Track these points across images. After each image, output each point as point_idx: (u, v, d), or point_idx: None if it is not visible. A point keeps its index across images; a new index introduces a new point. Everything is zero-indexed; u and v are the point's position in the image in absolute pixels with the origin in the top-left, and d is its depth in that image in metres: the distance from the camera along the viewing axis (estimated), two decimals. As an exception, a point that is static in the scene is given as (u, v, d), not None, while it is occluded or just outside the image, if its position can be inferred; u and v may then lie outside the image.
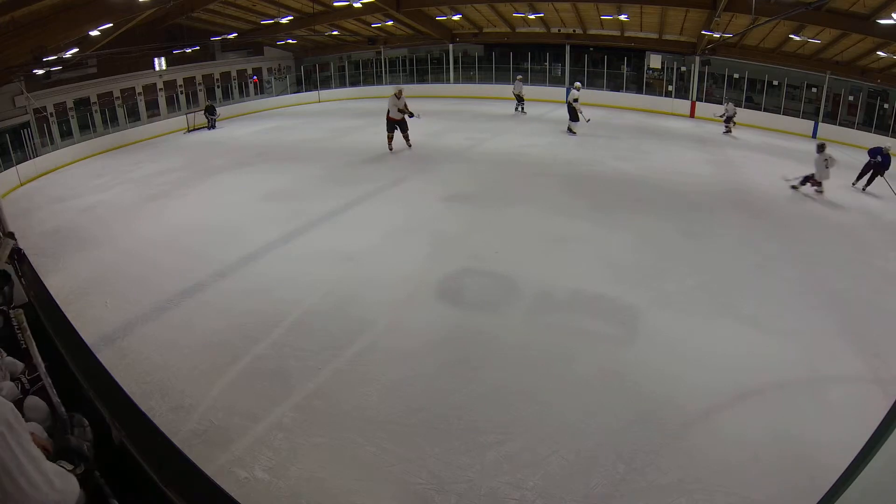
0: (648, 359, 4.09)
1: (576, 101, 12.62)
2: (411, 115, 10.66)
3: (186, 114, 16.65)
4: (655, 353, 4.16)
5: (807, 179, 8.73)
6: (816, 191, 8.68)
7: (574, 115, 12.77)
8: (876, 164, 9.14)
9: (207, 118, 16.27)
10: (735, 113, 14.20)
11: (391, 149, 10.89)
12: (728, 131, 14.15)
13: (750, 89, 16.31)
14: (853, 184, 9.34)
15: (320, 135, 13.76)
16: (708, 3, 13.19)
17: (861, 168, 9.35)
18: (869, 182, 9.24)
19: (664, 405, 3.56)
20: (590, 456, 3.14)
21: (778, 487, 2.90)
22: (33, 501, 1.22)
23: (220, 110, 17.01)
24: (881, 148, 9.22)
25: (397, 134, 10.82)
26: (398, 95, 10.40)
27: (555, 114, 16.05)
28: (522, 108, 16.22)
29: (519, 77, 16.63)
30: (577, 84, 13.75)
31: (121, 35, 13.45)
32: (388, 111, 10.56)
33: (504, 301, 5.01)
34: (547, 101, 18.04)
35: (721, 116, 14.33)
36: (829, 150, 8.69)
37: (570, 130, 12.94)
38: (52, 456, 1.58)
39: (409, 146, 11.04)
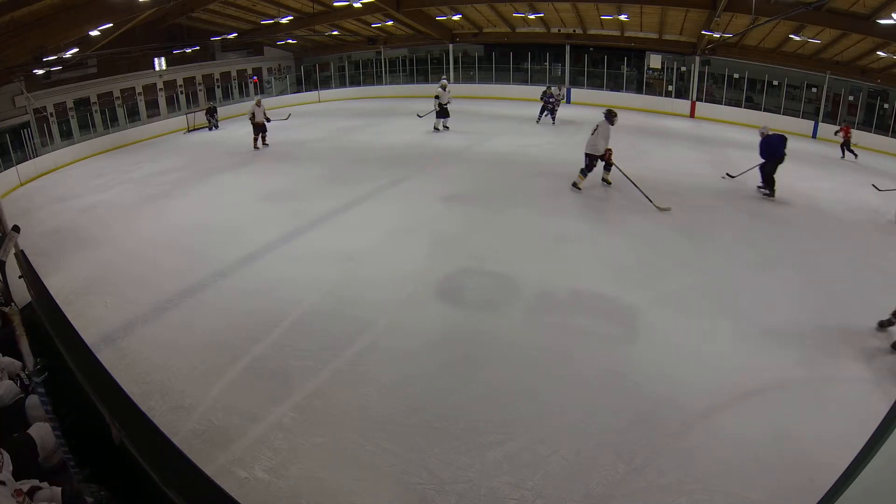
0: (648, 359, 4.09)
1: (436, 98, 12.82)
2: (268, 119, 12.29)
3: (186, 114, 16.64)
4: (655, 353, 4.16)
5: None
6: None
7: (443, 113, 12.92)
8: None
9: (209, 119, 16.24)
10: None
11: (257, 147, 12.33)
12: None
13: (750, 89, 16.30)
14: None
15: (320, 135, 13.76)
16: (708, 3, 13.18)
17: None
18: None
19: (664, 405, 3.57)
20: (590, 456, 3.14)
21: (778, 487, 2.90)
22: None
23: (221, 110, 17.00)
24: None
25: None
26: (258, 104, 12.23)
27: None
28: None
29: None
30: (444, 81, 13.65)
31: (121, 35, 13.45)
32: (254, 115, 12.18)
33: (504, 301, 5.01)
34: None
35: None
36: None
37: (435, 128, 13.03)
38: None
39: (266, 146, 12.39)
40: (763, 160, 8.36)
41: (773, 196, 8.31)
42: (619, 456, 3.14)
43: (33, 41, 10.71)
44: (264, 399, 3.67)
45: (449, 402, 3.62)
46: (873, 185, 8.78)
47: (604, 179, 8.53)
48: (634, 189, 7.89)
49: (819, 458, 2.96)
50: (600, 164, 8.21)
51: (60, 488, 1.96)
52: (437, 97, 12.95)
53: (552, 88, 14.70)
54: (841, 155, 12.67)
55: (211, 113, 16.30)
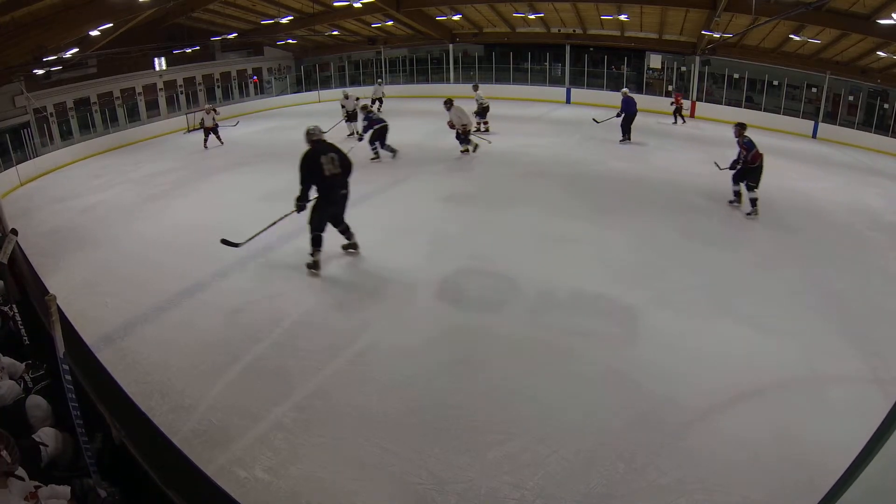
0: (648, 358, 4.09)
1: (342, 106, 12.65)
2: (216, 125, 13.06)
3: (186, 114, 16.64)
4: (655, 353, 4.16)
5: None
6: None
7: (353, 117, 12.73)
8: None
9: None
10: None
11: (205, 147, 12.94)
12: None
13: (750, 89, 16.30)
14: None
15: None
16: (708, 3, 13.18)
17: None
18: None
19: (664, 405, 3.56)
20: (590, 456, 3.14)
21: (778, 487, 2.90)
22: None
23: (220, 110, 16.99)
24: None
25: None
26: (208, 112, 13.03)
27: (555, 114, 16.06)
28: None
29: (378, 80, 16.40)
30: (379, 80, 13.75)
31: (121, 35, 13.43)
32: (203, 121, 12.97)
33: (504, 301, 5.01)
34: (547, 102, 18.05)
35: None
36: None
37: (353, 133, 12.44)
38: None
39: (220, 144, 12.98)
40: (622, 114, 11.62)
41: (629, 140, 11.62)
42: (619, 456, 3.13)
43: (33, 41, 10.71)
44: (264, 399, 3.66)
45: (449, 401, 3.62)
46: (715, 163, 8.34)
47: (463, 151, 10.42)
48: (634, 190, 7.91)
49: (819, 459, 2.96)
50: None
51: (69, 487, 1.96)
52: (342, 105, 12.77)
53: (350, 97, 12.65)
54: (673, 121, 14.78)
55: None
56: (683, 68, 17.64)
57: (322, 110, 18.64)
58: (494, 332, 4.48)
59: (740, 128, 7.44)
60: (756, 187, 7.35)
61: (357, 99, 12.96)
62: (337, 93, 21.23)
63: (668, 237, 6.53)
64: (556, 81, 19.40)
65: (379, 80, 17.99)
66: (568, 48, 18.88)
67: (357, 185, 8.74)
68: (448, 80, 20.79)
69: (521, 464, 3.09)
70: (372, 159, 10.20)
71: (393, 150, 10.31)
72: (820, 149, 13.29)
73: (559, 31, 18.62)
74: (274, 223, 5.72)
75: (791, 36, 13.51)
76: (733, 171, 7.59)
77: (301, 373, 3.97)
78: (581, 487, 2.93)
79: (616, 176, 9.25)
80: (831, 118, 14.99)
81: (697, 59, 16.68)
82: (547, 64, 19.52)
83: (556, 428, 3.36)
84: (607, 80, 18.36)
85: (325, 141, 5.40)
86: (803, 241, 6.62)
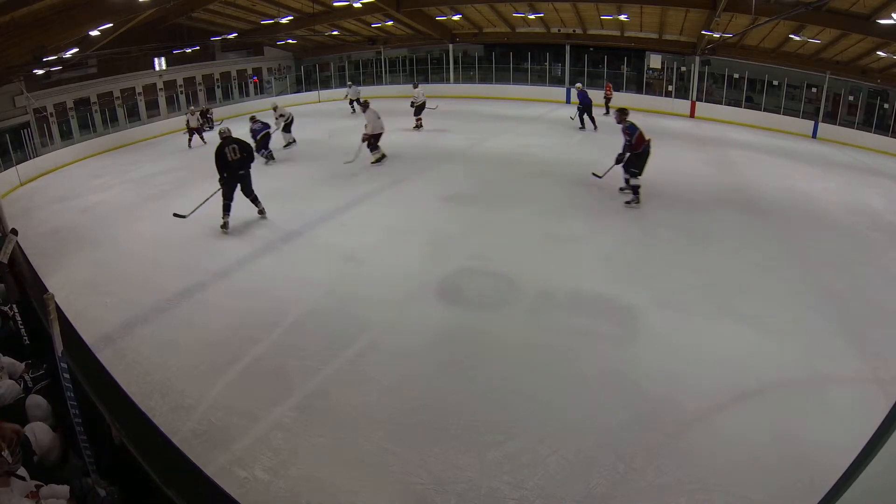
0: (648, 359, 4.09)
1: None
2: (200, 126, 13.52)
3: (187, 114, 16.61)
4: (655, 353, 4.16)
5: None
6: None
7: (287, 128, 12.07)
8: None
9: (205, 121, 16.12)
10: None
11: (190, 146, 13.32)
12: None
13: (750, 89, 16.29)
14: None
15: (320, 135, 13.75)
16: (708, 3, 13.17)
17: None
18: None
19: (664, 405, 3.56)
20: (590, 456, 3.14)
21: (778, 487, 2.90)
22: None
23: (220, 110, 17.01)
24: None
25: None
26: (192, 112, 13.42)
27: (555, 114, 16.05)
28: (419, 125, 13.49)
29: (349, 83, 17.48)
30: (349, 82, 14.10)
31: (121, 35, 13.42)
32: (189, 121, 13.31)
33: (504, 301, 5.01)
34: (547, 102, 18.04)
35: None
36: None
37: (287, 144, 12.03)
38: None
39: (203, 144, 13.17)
40: (581, 106, 13.06)
41: (590, 128, 13.02)
42: (619, 456, 3.13)
43: (33, 41, 10.71)
44: (264, 399, 3.67)
45: (449, 401, 3.62)
46: (593, 174, 8.30)
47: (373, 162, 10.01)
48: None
49: (819, 459, 2.96)
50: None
51: (68, 486, 1.96)
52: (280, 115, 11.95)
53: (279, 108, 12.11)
54: (605, 112, 15.01)
55: (203, 115, 16.16)
56: (683, 68, 17.64)
57: (322, 110, 18.66)
58: (494, 332, 4.48)
59: (620, 113, 7.39)
60: (639, 174, 7.25)
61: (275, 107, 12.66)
62: (337, 93, 21.34)
63: (669, 237, 6.53)
64: (556, 81, 19.40)
65: (349, 83, 18.54)
66: (568, 48, 18.89)
67: (356, 184, 8.81)
68: (448, 80, 20.80)
69: (521, 464, 3.09)
70: (267, 162, 10.50)
71: (271, 158, 10.72)
72: (820, 149, 13.29)
73: (559, 31, 18.62)
74: (210, 196, 7.14)
75: (791, 36, 13.51)
76: (622, 163, 7.46)
77: (301, 373, 3.97)
78: (581, 487, 2.93)
79: (616, 176, 9.23)
80: (831, 118, 14.99)
81: (697, 59, 16.68)
82: (547, 64, 19.52)
83: (556, 428, 3.36)
84: (607, 80, 18.35)
85: (230, 137, 6.98)
86: (803, 241, 6.62)
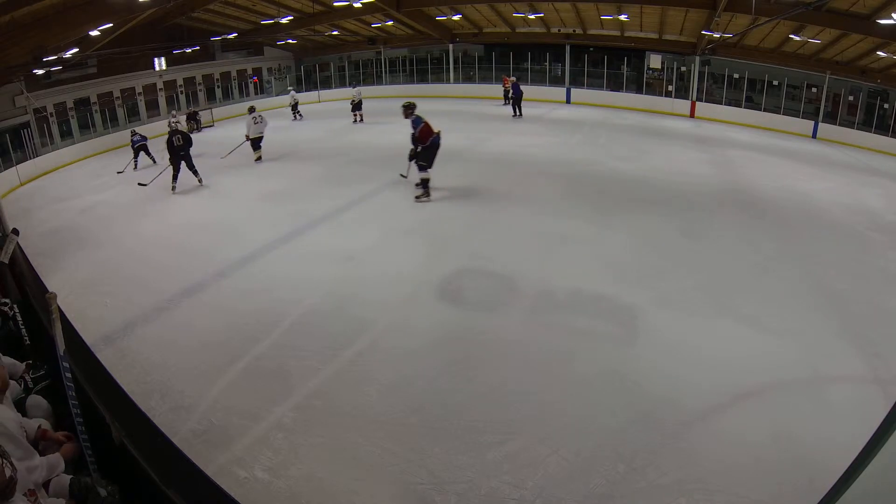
0: (648, 359, 4.09)
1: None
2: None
3: (187, 114, 16.60)
4: (655, 353, 4.16)
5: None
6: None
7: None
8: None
9: (191, 122, 16.06)
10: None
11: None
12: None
13: (750, 89, 16.29)
14: None
15: (320, 135, 13.76)
16: (708, 3, 13.17)
17: None
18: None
19: (664, 405, 3.56)
20: (590, 456, 3.14)
21: (778, 488, 2.90)
22: None
23: (220, 111, 17.00)
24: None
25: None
26: (174, 115, 14.08)
27: (555, 114, 16.07)
28: (360, 118, 15.27)
29: (290, 88, 18.23)
30: (290, 88, 14.85)
31: (121, 35, 13.44)
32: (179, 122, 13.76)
33: (504, 301, 5.01)
34: (547, 102, 18.04)
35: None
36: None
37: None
38: None
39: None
40: (515, 96, 14.68)
41: (521, 116, 14.66)
42: (619, 456, 3.13)
43: (33, 41, 10.72)
44: (264, 399, 3.67)
45: (449, 402, 3.62)
46: (400, 174, 8.29)
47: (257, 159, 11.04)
48: (634, 190, 7.87)
49: (819, 459, 2.96)
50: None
51: (69, 478, 1.96)
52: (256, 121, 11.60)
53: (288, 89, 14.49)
54: (503, 102, 16.35)
55: (192, 117, 16.11)
56: (683, 68, 17.64)
57: (322, 110, 18.66)
58: (494, 332, 4.48)
59: (406, 108, 7.55)
60: (428, 167, 7.28)
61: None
62: (337, 93, 21.34)
63: (669, 237, 6.53)
64: (556, 81, 19.40)
65: (290, 88, 19.02)
66: (568, 48, 18.88)
67: (357, 184, 8.81)
68: (448, 80, 20.79)
69: (521, 464, 3.09)
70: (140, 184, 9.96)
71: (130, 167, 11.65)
72: (820, 149, 13.29)
73: (559, 31, 18.62)
74: (165, 168, 9.42)
75: (791, 36, 13.51)
76: (415, 158, 7.57)
77: (301, 373, 3.97)
78: (581, 487, 2.93)
79: (616, 176, 9.25)
80: (831, 118, 14.99)
81: (697, 59, 16.68)
82: (547, 64, 19.52)
83: (556, 428, 3.36)
84: (607, 79, 18.37)
85: (177, 130, 9.62)
86: (803, 241, 6.62)
